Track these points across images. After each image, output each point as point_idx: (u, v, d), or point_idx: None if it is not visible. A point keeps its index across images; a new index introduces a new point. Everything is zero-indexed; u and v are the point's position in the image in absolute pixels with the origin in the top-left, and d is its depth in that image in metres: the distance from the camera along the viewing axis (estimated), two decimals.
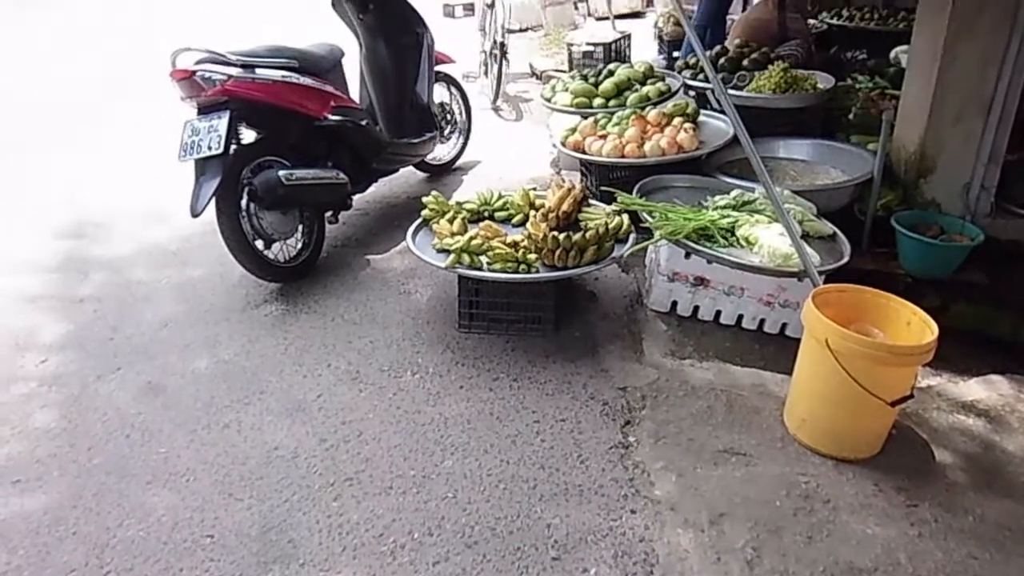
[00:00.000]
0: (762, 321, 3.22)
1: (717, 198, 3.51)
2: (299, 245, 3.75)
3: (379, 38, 4.33)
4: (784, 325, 3.19)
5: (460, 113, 5.10)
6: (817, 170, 4.09)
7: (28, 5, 12.01)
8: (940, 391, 2.89)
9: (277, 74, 3.48)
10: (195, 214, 3.22)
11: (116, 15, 10.79)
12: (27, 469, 2.58)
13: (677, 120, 4.17)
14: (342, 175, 3.76)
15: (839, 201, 3.72)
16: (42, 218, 4.62)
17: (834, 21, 6.63)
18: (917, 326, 2.51)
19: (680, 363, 3.01)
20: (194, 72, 3.27)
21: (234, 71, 3.33)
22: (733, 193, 3.51)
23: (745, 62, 5.02)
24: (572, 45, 6.62)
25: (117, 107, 6.68)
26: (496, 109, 6.34)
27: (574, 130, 4.25)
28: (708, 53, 5.22)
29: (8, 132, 6.17)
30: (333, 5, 4.35)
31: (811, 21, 6.21)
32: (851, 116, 4.31)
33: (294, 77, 3.55)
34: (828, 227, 3.40)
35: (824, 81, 4.65)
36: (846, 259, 3.13)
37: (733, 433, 2.61)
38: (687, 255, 3.18)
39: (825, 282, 2.81)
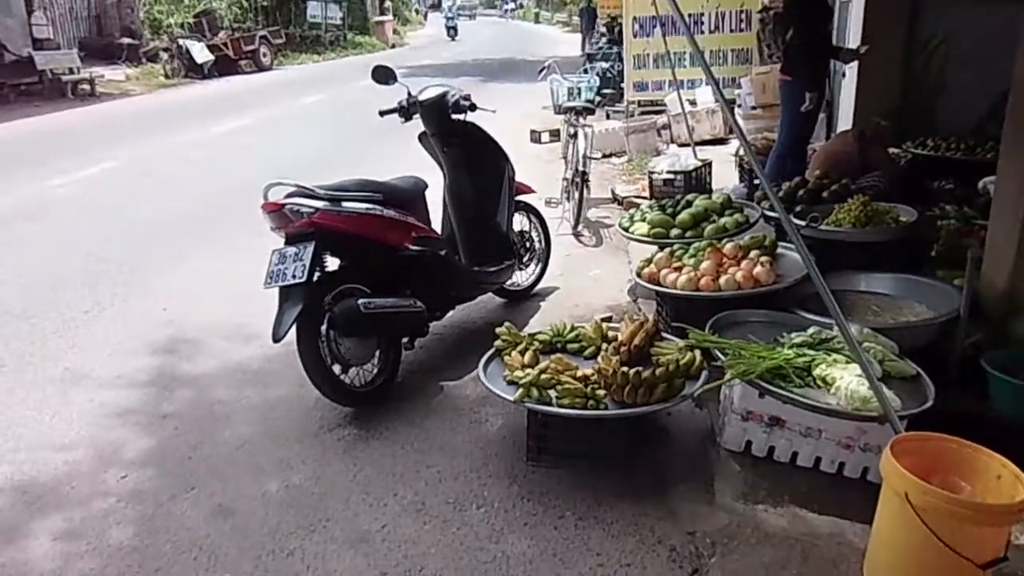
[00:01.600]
0: (841, 465, 3.09)
1: (793, 335, 3.44)
2: (375, 371, 3.83)
3: (462, 170, 4.52)
4: (865, 470, 3.05)
5: (539, 241, 5.21)
6: (901, 305, 3.97)
7: (152, 128, 13.02)
8: None
9: (362, 207, 3.66)
10: (276, 339, 3.34)
11: (227, 147, 11.57)
12: None
13: (754, 253, 4.16)
14: (420, 303, 3.87)
15: (924, 339, 3.60)
16: (141, 334, 4.86)
17: (919, 151, 6.58)
18: (1008, 481, 2.36)
19: (753, 508, 2.89)
20: (284, 205, 3.46)
21: (321, 204, 3.52)
22: (810, 330, 3.44)
23: (825, 194, 5.02)
24: (653, 173, 6.74)
25: (216, 230, 7.06)
26: (577, 235, 6.45)
27: (650, 261, 4.28)
28: (787, 184, 5.24)
29: (117, 249, 6.57)
30: (420, 139, 4.59)
31: (893, 150, 6.18)
32: (934, 252, 4.21)
33: (378, 209, 3.72)
34: (911, 368, 3.28)
35: (906, 214, 4.58)
36: (930, 403, 3.00)
37: None
38: (761, 395, 3.10)
39: (908, 427, 2.69)
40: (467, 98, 4.44)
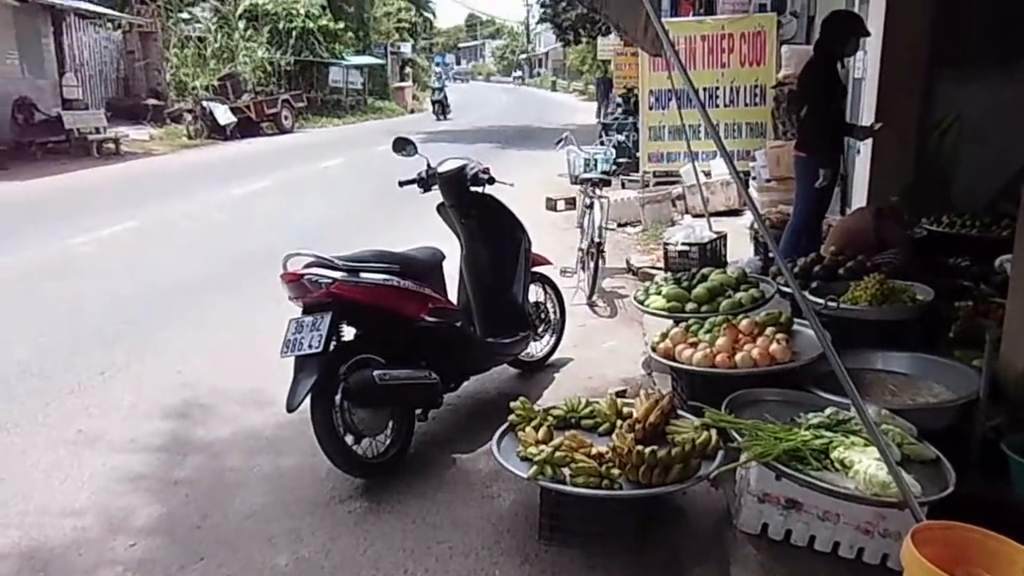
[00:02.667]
0: (861, 550, 3.02)
1: (810, 415, 3.41)
2: (388, 442, 3.82)
3: (479, 241, 4.57)
4: (885, 556, 2.99)
5: (554, 312, 5.23)
6: (918, 385, 3.94)
7: (174, 188, 13.25)
8: None
9: (379, 277, 3.70)
10: (290, 409, 3.35)
11: (248, 209, 11.75)
12: None
13: (770, 330, 4.15)
14: (435, 375, 3.87)
15: (943, 421, 3.55)
16: (155, 396, 4.88)
17: (934, 227, 6.59)
18: None
19: None
20: (302, 275, 3.50)
21: (339, 275, 3.56)
22: (827, 410, 3.41)
23: (840, 271, 5.02)
24: (668, 244, 6.78)
25: (234, 293, 7.12)
26: (591, 305, 6.46)
27: (665, 335, 4.28)
28: (802, 260, 5.25)
29: (135, 309, 6.64)
30: (438, 209, 4.66)
31: (908, 226, 6.19)
32: (952, 332, 4.19)
33: (395, 280, 3.76)
34: (931, 451, 3.23)
35: (923, 292, 4.57)
36: (951, 489, 2.95)
37: None
38: (778, 477, 3.06)
39: (929, 512, 2.64)
40: (486, 171, 4.51)
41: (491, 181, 4.54)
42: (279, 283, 3.71)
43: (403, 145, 4.62)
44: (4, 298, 7.12)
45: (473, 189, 4.52)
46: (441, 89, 31.62)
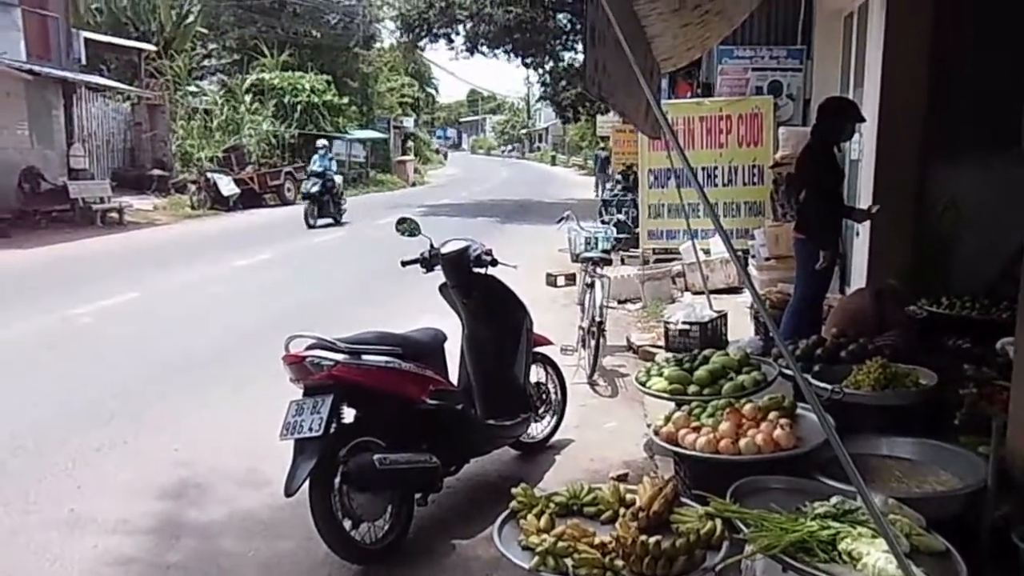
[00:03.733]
0: None
1: (816, 504, 3.35)
2: (386, 527, 3.75)
3: (481, 322, 4.57)
4: None
5: (555, 393, 5.20)
6: (924, 472, 3.89)
7: (176, 259, 13.32)
8: None
9: (381, 360, 3.69)
10: (288, 494, 3.30)
11: (248, 281, 11.80)
12: None
13: (773, 414, 4.11)
14: (435, 458, 3.83)
15: (950, 510, 3.50)
16: (150, 475, 4.81)
17: (934, 308, 6.60)
18: None
19: None
20: (304, 357, 3.50)
21: (341, 357, 3.55)
22: (833, 499, 3.36)
23: (843, 353, 5.01)
24: (668, 323, 6.78)
25: (233, 368, 7.10)
26: (592, 384, 6.43)
27: (668, 419, 4.24)
28: (803, 342, 5.24)
29: (133, 383, 6.60)
30: (440, 289, 4.67)
31: (909, 308, 6.21)
32: (957, 419, 4.16)
33: (396, 363, 3.75)
34: (940, 543, 3.17)
35: (926, 377, 4.56)
36: None
37: None
38: (785, 569, 3.00)
39: None
40: (488, 253, 4.55)
41: (494, 263, 4.57)
42: (281, 364, 3.70)
43: (406, 225, 4.67)
44: (2, 369, 7.09)
45: (476, 270, 4.55)
46: (322, 175, 18.97)
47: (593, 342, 6.52)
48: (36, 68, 18.11)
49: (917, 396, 4.38)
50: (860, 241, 7.20)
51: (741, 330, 7.22)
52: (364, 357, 3.64)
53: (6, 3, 18.28)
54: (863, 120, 6.29)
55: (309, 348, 3.61)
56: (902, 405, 4.35)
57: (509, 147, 77.15)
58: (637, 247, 11.49)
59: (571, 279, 9.47)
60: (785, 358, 4.97)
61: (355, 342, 3.71)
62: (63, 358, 7.39)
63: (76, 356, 7.47)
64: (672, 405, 4.58)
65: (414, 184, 38.14)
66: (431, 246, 4.65)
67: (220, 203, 22.11)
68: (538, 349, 5.00)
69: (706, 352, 5.17)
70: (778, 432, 3.90)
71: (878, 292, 5.65)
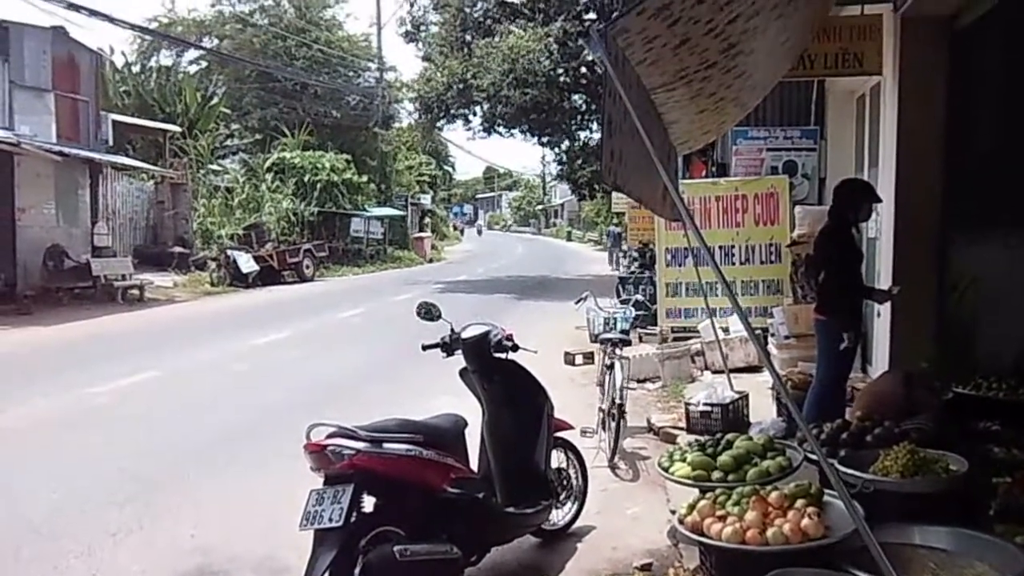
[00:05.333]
0: None
1: None
2: None
3: (502, 406, 4.54)
4: None
5: (576, 479, 5.12)
6: (960, 563, 3.77)
7: (194, 337, 13.41)
8: None
9: (402, 448, 3.66)
10: None
11: (266, 360, 11.84)
12: None
13: (800, 502, 4.02)
14: (456, 548, 3.76)
15: None
16: (166, 562, 4.74)
17: (960, 390, 6.50)
18: None
19: None
20: (325, 446, 3.48)
21: (362, 445, 3.53)
22: None
23: (868, 438, 4.93)
24: (690, 404, 6.72)
25: (251, 450, 7.06)
26: (613, 467, 6.33)
27: (693, 507, 4.16)
28: (828, 426, 5.17)
29: (149, 465, 6.57)
30: (461, 374, 4.66)
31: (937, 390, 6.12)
32: (992, 509, 4.05)
33: (417, 451, 3.72)
34: None
35: (956, 463, 4.46)
36: None
37: None
38: None
39: None
40: (509, 338, 4.54)
41: (515, 348, 4.56)
42: (301, 449, 3.68)
43: (427, 310, 4.69)
44: (19, 449, 7.09)
45: (496, 355, 4.53)
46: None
47: (613, 424, 6.44)
48: (65, 150, 18.64)
49: (948, 483, 4.27)
50: (881, 322, 7.15)
51: (763, 410, 7.12)
52: (385, 445, 3.62)
53: (41, 88, 18.95)
54: (879, 200, 6.32)
55: (330, 436, 3.59)
56: (932, 492, 4.25)
57: (520, 224, 78.95)
58: (655, 325, 11.45)
59: (589, 358, 9.44)
60: (810, 443, 4.90)
61: (376, 430, 3.69)
62: (80, 438, 7.37)
63: (94, 436, 7.45)
64: (696, 491, 4.50)
65: (431, 260, 38.48)
66: (451, 330, 4.65)
67: (239, 280, 22.36)
68: (559, 434, 4.95)
69: (729, 436, 5.10)
70: (806, 521, 3.81)
71: (908, 376, 5.58)
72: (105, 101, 23.85)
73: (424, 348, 4.71)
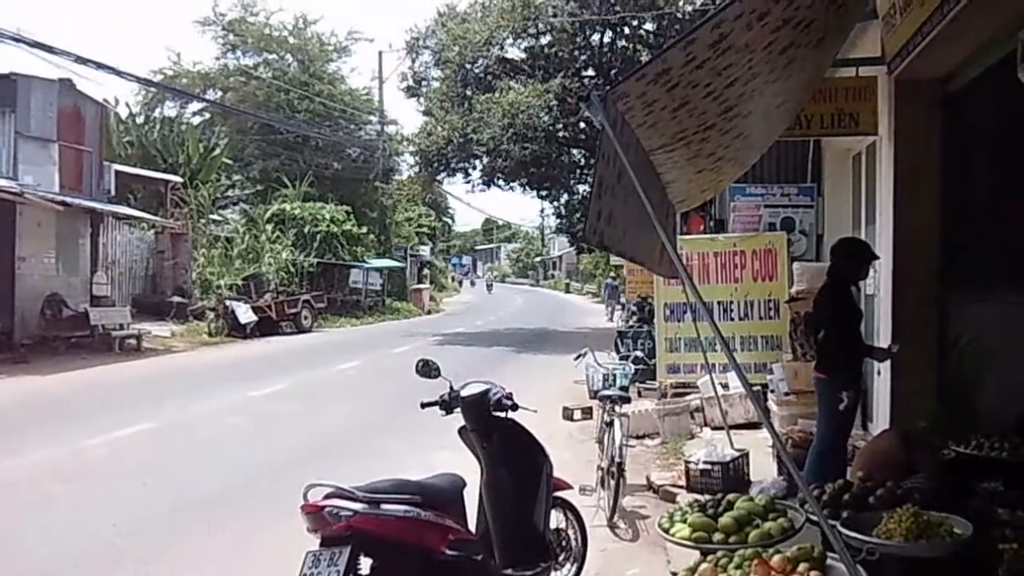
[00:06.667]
0: None
1: None
2: None
3: (500, 466, 4.49)
4: None
5: (575, 540, 5.05)
6: None
7: (191, 388, 13.34)
8: None
9: (400, 509, 3.62)
10: None
11: (263, 413, 11.79)
12: None
13: (803, 566, 3.97)
14: None
15: None
16: None
17: (961, 449, 6.46)
18: None
19: None
20: (323, 507, 3.44)
21: (359, 506, 3.49)
22: None
23: (871, 499, 4.88)
24: (689, 462, 6.67)
25: (246, 506, 6.98)
26: (612, 527, 6.26)
27: (694, 570, 4.09)
28: (830, 487, 5.11)
29: (144, 520, 6.48)
30: (459, 432, 4.62)
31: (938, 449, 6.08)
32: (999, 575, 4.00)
33: (415, 512, 3.68)
34: None
35: (960, 526, 4.39)
36: None
37: None
38: None
39: None
40: (509, 397, 4.51)
41: (514, 407, 4.53)
42: (297, 505, 3.63)
43: (426, 368, 4.68)
44: (12, 503, 7.00)
45: (496, 414, 4.50)
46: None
47: (613, 483, 6.38)
48: (68, 199, 18.77)
49: (953, 547, 4.21)
50: (881, 380, 7.13)
51: (763, 468, 7.07)
52: (383, 506, 3.57)
53: (46, 139, 19.15)
54: (877, 258, 6.37)
55: (327, 497, 3.55)
56: (938, 557, 4.19)
57: (518, 275, 79.38)
58: (654, 379, 11.41)
59: (588, 413, 9.38)
60: (811, 506, 4.85)
61: (374, 491, 3.65)
62: (75, 492, 7.30)
63: (88, 490, 7.38)
64: (697, 553, 4.44)
65: (429, 312, 38.49)
66: (451, 388, 4.63)
67: (237, 330, 22.33)
68: (557, 493, 4.90)
69: (730, 497, 5.05)
70: None
71: (907, 434, 5.54)
72: (108, 151, 24.08)
73: (423, 406, 4.68)
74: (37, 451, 8.75)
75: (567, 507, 5.07)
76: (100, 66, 20.85)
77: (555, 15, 24.27)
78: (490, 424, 4.49)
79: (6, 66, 19.61)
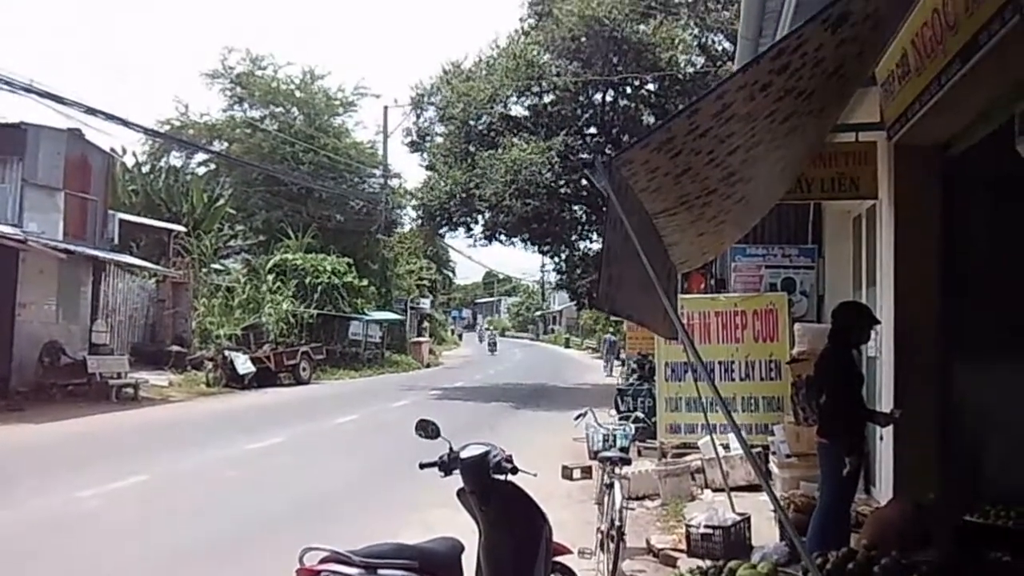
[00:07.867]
0: None
1: None
2: None
3: (499, 530, 4.42)
4: None
5: None
6: None
7: (187, 440, 13.22)
8: None
9: (397, 575, 3.55)
10: None
11: (260, 466, 11.72)
12: None
13: None
14: None
15: None
16: None
17: (969, 518, 6.37)
18: None
19: None
20: (319, 572, 3.38)
21: (355, 572, 3.43)
22: None
23: (876, 568, 4.81)
24: (690, 527, 6.58)
25: (241, 564, 6.87)
26: None
27: None
28: (833, 555, 5.05)
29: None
30: (458, 495, 4.55)
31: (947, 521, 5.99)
32: None
33: None
34: None
35: None
36: None
37: None
38: None
39: None
40: (509, 459, 4.46)
41: (514, 471, 4.47)
42: (292, 573, 3.57)
43: (426, 428, 4.64)
44: (3, 554, 6.86)
45: (495, 477, 4.44)
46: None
47: (612, 546, 6.27)
48: (71, 247, 18.86)
49: None
50: (884, 444, 7.08)
51: (765, 533, 6.97)
52: (380, 572, 3.51)
53: (52, 187, 19.33)
54: (878, 322, 6.38)
55: (323, 561, 3.49)
56: None
57: (518, 329, 79.64)
58: (654, 438, 11.31)
59: (587, 472, 9.27)
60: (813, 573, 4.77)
61: (371, 555, 3.58)
62: (65, 546, 7.17)
63: (79, 543, 7.25)
64: None
65: (428, 365, 38.33)
66: (450, 449, 4.58)
67: (235, 381, 22.22)
68: (557, 558, 4.80)
69: (731, 564, 4.99)
70: None
71: (917, 505, 5.49)
72: (113, 199, 24.27)
73: (421, 467, 4.62)
74: (28, 502, 8.63)
75: (566, 572, 4.97)
76: (109, 117, 21.19)
77: (558, 75, 24.64)
78: (489, 487, 4.42)
79: (18, 115, 19.91)
